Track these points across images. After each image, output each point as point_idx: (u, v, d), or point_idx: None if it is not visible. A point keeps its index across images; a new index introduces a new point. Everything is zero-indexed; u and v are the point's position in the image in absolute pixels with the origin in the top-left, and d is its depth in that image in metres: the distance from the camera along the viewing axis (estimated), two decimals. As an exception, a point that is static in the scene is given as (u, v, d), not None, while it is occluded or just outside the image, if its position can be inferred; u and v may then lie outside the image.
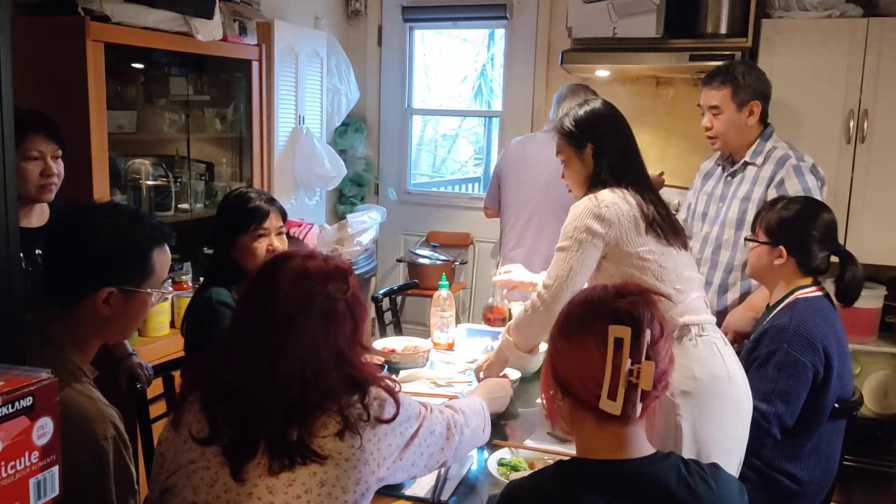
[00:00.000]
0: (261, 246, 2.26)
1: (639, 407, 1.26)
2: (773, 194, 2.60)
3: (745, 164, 2.75)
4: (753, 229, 2.35)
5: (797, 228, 2.23)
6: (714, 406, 1.94)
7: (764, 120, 2.77)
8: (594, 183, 2.04)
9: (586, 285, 2.03)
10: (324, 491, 1.33)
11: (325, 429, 1.35)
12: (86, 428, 1.40)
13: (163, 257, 1.58)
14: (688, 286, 2.03)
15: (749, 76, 2.73)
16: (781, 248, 2.23)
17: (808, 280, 2.25)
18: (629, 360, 1.24)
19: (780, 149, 2.71)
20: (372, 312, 4.81)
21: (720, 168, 2.89)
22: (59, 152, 2.26)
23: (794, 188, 2.60)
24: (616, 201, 1.97)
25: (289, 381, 1.35)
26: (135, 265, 1.52)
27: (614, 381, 1.24)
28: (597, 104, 2.11)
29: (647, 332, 1.26)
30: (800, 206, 2.29)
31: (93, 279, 1.48)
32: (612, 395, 1.24)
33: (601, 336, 1.26)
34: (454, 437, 1.59)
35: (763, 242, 2.28)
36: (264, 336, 1.39)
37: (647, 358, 1.26)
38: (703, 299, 2.09)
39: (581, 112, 2.09)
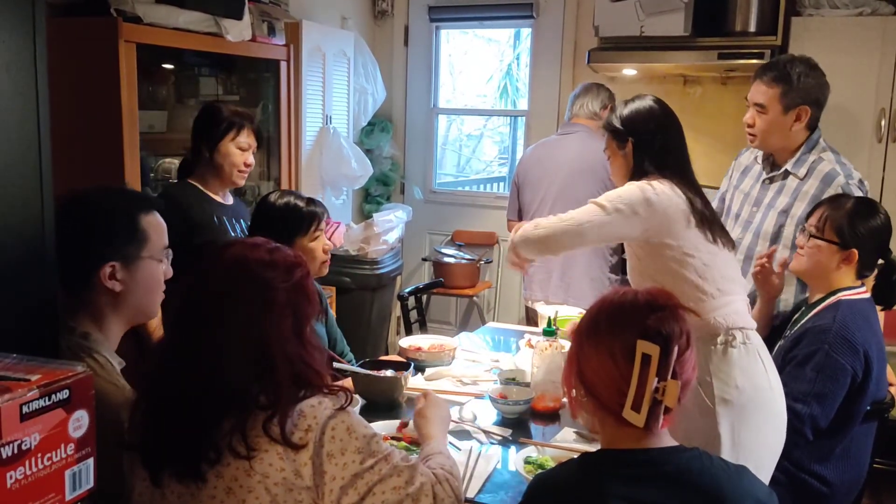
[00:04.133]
0: (318, 246, 2.32)
1: (661, 420, 1.27)
2: None
3: (787, 172, 2.56)
4: (822, 228, 2.20)
5: (871, 232, 2.17)
6: (755, 417, 1.91)
7: (813, 126, 2.55)
8: (637, 176, 2.01)
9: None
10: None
11: (228, 439, 1.26)
12: (112, 415, 1.40)
13: (153, 223, 1.57)
14: (731, 287, 1.97)
15: (806, 78, 2.49)
16: (854, 251, 2.17)
17: (850, 283, 2.21)
18: (656, 378, 1.24)
19: (827, 162, 2.51)
20: (397, 311, 4.83)
21: (759, 167, 2.69)
22: (255, 147, 2.66)
23: None
24: (667, 191, 1.93)
25: (203, 373, 1.28)
26: (124, 234, 1.52)
27: (639, 395, 1.25)
28: (642, 101, 2.07)
29: (675, 349, 1.27)
30: (870, 209, 2.22)
31: (89, 258, 1.49)
32: (636, 408, 1.25)
33: (629, 347, 1.27)
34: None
35: (833, 242, 2.18)
36: (190, 323, 1.33)
37: (674, 376, 1.26)
38: (746, 303, 2.02)
39: (625, 109, 2.07)
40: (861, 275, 2.21)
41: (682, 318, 1.32)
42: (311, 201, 2.37)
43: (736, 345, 1.93)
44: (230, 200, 2.70)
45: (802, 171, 2.52)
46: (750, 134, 2.62)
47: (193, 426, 1.28)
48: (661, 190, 1.93)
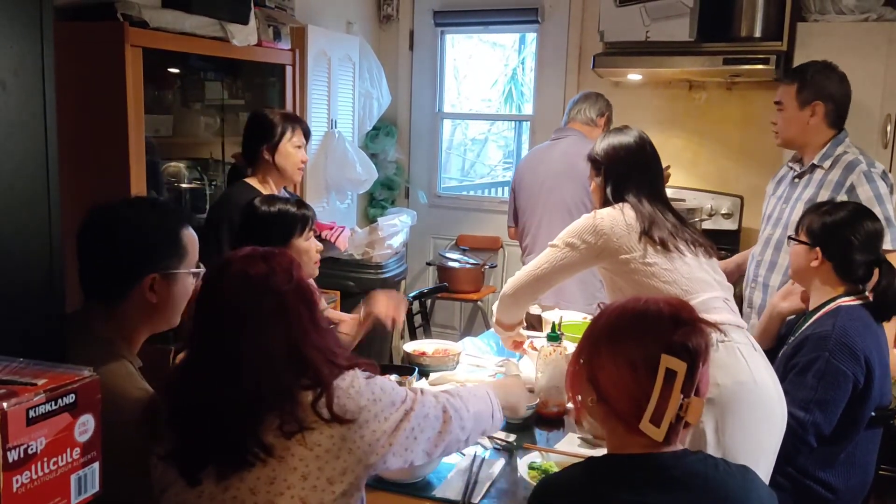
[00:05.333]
0: (312, 246, 2.32)
1: (680, 435, 1.28)
2: (843, 199, 2.56)
3: (813, 166, 2.70)
4: (797, 229, 2.29)
5: (837, 233, 2.18)
6: (740, 413, 1.91)
7: (837, 124, 2.70)
8: (604, 202, 2.21)
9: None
10: (307, 484, 1.32)
11: (273, 426, 1.33)
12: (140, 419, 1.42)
13: (190, 237, 1.61)
14: (698, 287, 2.05)
15: (818, 76, 2.69)
16: (817, 249, 2.19)
17: (842, 289, 2.20)
18: (681, 395, 1.23)
19: (850, 154, 2.65)
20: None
21: (791, 170, 2.83)
22: (305, 144, 2.88)
23: (865, 194, 2.55)
24: (612, 214, 2.12)
25: (245, 386, 1.34)
26: (169, 248, 1.56)
27: (660, 410, 1.24)
28: (622, 136, 2.23)
29: (700, 366, 1.26)
30: (845, 212, 2.23)
31: (135, 270, 1.52)
32: (655, 422, 1.24)
33: (652, 360, 1.25)
34: (452, 421, 1.53)
35: (802, 242, 2.24)
36: (217, 347, 1.37)
37: (697, 392, 1.25)
38: (723, 300, 2.07)
39: (605, 141, 2.25)
40: (847, 277, 2.20)
41: (704, 332, 1.31)
42: (300, 204, 2.39)
43: (714, 343, 1.93)
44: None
45: (828, 163, 2.67)
46: (774, 132, 2.82)
47: (239, 429, 1.32)
48: (607, 213, 2.13)
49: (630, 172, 2.18)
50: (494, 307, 2.44)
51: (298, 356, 1.37)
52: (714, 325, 1.37)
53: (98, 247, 1.54)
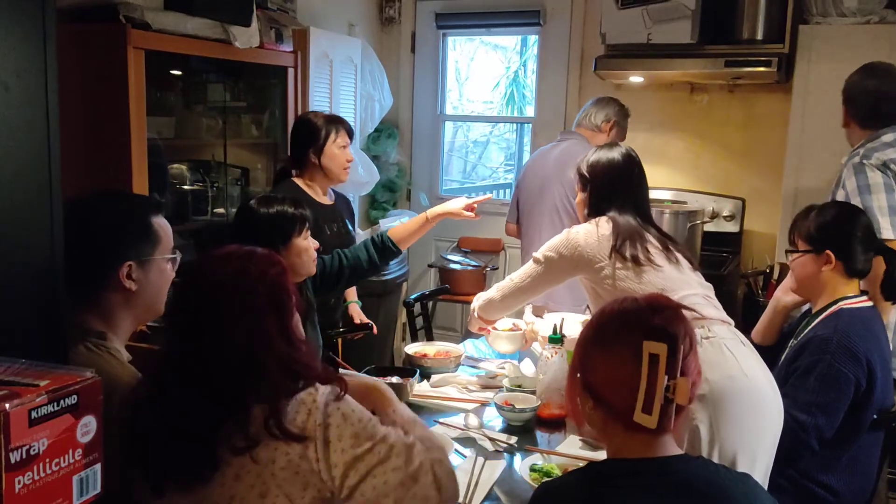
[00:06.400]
0: (310, 245, 2.32)
1: (673, 420, 1.28)
2: (840, 195, 2.59)
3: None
4: (792, 241, 2.28)
5: (839, 231, 2.18)
6: (732, 406, 1.92)
7: (866, 124, 2.71)
8: (586, 218, 2.28)
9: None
10: (267, 502, 1.28)
11: (226, 441, 1.29)
12: None
13: (162, 224, 1.63)
14: (677, 285, 2.09)
15: (847, 79, 2.78)
16: (828, 252, 2.17)
17: (854, 288, 2.20)
18: (666, 377, 1.24)
19: (862, 148, 2.65)
20: (403, 317, 4.83)
21: None
22: (349, 143, 3.00)
23: (851, 186, 2.56)
24: (587, 228, 2.21)
25: (203, 391, 1.31)
26: (140, 234, 1.58)
27: (650, 396, 1.25)
28: (609, 153, 2.27)
29: (682, 348, 1.27)
30: (835, 209, 2.26)
31: (109, 259, 1.54)
32: (647, 409, 1.25)
33: (637, 349, 1.27)
34: (445, 483, 1.38)
35: (806, 251, 2.22)
36: (181, 347, 1.36)
37: (682, 373, 1.26)
38: (703, 297, 2.11)
39: (593, 156, 2.30)
40: (854, 273, 2.20)
41: (684, 318, 1.33)
42: (295, 204, 2.38)
43: (699, 340, 1.94)
44: (331, 199, 3.02)
45: (844, 159, 2.70)
46: None
47: (193, 437, 1.30)
48: (582, 227, 2.22)
49: (615, 189, 2.23)
50: (475, 303, 2.50)
51: (257, 365, 1.32)
52: (691, 310, 1.39)
53: (72, 240, 1.54)
